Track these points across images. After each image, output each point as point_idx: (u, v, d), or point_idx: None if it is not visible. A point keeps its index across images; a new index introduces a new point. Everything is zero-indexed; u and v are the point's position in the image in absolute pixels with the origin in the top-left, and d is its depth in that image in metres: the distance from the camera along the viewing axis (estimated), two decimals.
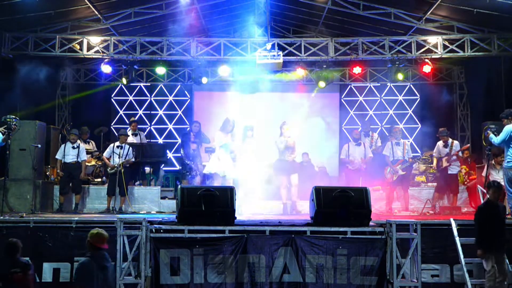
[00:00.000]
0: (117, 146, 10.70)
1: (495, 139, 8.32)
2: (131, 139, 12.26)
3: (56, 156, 10.73)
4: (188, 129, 15.51)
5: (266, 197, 10.81)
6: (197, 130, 11.29)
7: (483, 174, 10.28)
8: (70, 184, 10.58)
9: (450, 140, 10.84)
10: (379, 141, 12.05)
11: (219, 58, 12.84)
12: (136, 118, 14.37)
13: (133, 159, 10.94)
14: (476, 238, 6.68)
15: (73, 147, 10.57)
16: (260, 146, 10.16)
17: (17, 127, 8.62)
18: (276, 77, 15.00)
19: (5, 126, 8.46)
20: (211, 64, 13.96)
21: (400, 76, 13.42)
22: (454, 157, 10.62)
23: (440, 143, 10.88)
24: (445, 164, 10.63)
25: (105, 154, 10.83)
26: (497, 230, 6.55)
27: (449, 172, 10.68)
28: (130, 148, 10.88)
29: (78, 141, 10.87)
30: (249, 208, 9.94)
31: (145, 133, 14.62)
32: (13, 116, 8.65)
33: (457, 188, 10.83)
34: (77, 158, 10.55)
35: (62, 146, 10.68)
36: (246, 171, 9.74)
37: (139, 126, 13.42)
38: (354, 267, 6.74)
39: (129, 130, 12.60)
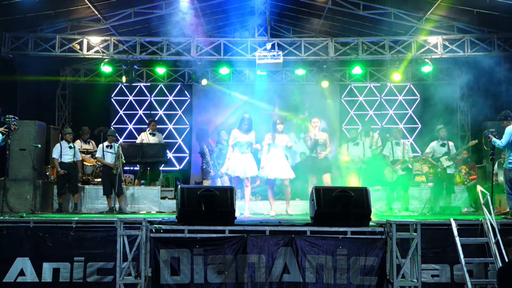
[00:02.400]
0: (107, 146, 10.73)
1: (500, 143, 8.16)
2: (151, 138, 12.37)
3: (53, 156, 10.58)
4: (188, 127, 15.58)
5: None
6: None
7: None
8: (67, 185, 10.57)
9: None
10: (379, 141, 12.05)
11: (219, 58, 12.84)
12: (155, 118, 14.57)
13: (123, 160, 10.95)
14: None
15: (70, 147, 10.56)
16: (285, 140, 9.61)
17: (16, 126, 8.57)
18: (276, 77, 15.06)
19: (5, 126, 8.42)
20: (211, 64, 13.97)
21: (396, 76, 13.41)
22: None
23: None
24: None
25: (98, 154, 10.80)
26: None
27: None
28: (120, 147, 10.91)
29: (76, 142, 10.86)
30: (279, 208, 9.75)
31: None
32: (12, 116, 8.56)
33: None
34: (74, 158, 10.56)
35: (58, 145, 10.58)
36: (273, 169, 9.40)
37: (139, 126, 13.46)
38: (354, 267, 6.73)
39: (148, 129, 12.71)
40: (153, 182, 12.14)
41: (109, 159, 10.59)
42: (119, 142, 11.57)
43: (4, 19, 11.12)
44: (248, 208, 9.49)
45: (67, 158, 10.49)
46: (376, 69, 15.11)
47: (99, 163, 11.84)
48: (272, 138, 9.44)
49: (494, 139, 8.25)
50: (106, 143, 10.78)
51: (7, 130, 8.34)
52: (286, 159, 9.77)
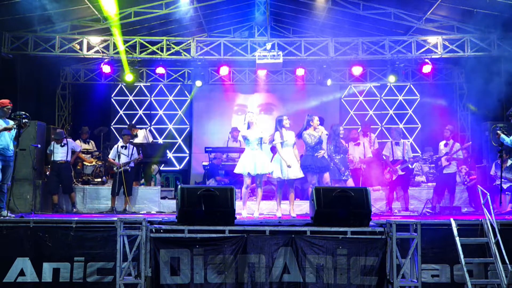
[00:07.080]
0: (122, 146, 10.72)
1: (508, 139, 8.03)
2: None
3: (48, 151, 10.68)
4: None
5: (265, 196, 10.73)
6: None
7: (491, 173, 10.28)
8: (60, 185, 10.57)
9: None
10: (376, 141, 12.11)
11: (219, 58, 12.83)
12: (133, 122, 14.21)
13: (141, 156, 10.96)
14: None
15: (61, 145, 10.50)
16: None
17: (27, 124, 8.25)
18: (275, 77, 15.06)
19: (16, 122, 8.24)
20: (211, 64, 13.96)
21: (392, 78, 13.42)
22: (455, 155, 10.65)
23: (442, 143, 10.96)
24: (444, 163, 10.64)
25: (111, 155, 10.80)
26: None
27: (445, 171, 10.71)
28: (135, 147, 10.93)
29: (67, 140, 10.77)
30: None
31: None
32: (23, 113, 8.28)
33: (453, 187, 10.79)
34: (66, 158, 10.51)
35: (52, 142, 10.63)
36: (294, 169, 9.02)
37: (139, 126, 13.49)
38: (354, 267, 6.73)
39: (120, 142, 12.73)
40: (151, 182, 12.14)
41: (124, 160, 10.56)
42: (119, 142, 11.55)
43: (4, 19, 11.11)
44: (258, 209, 9.20)
45: (59, 156, 10.46)
46: (376, 69, 15.11)
47: (99, 163, 11.86)
48: (281, 136, 9.05)
49: (502, 135, 8.06)
50: (120, 144, 10.77)
51: (17, 127, 8.14)
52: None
